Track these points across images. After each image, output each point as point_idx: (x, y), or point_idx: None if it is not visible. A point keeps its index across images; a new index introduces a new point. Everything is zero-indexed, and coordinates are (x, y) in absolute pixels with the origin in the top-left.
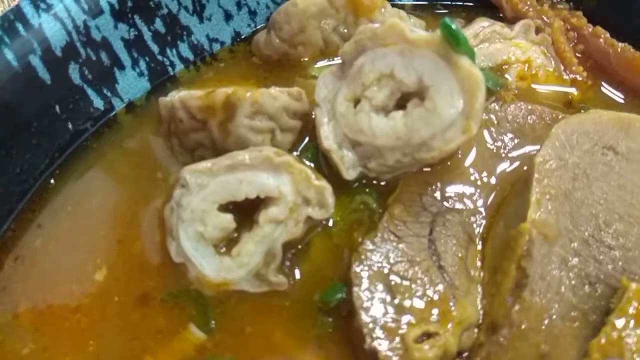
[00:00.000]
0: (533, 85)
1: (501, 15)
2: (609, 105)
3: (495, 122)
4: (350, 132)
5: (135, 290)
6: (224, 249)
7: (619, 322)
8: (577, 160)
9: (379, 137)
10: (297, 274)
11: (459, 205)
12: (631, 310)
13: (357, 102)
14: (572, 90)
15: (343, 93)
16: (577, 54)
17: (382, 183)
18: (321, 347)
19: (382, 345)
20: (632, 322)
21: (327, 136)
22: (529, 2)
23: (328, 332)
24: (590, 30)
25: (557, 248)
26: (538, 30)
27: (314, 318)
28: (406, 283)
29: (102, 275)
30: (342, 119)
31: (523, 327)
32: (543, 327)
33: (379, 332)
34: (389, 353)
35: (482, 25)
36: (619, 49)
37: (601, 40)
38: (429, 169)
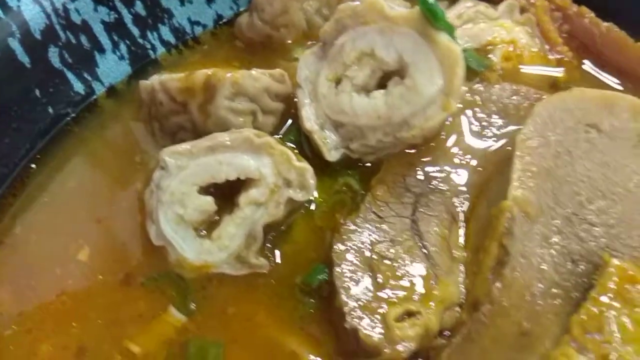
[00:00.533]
0: (518, 66)
1: None
2: (595, 85)
3: (480, 102)
4: (332, 113)
5: (119, 270)
6: (204, 232)
7: (599, 298)
8: (559, 138)
9: (361, 116)
10: (279, 255)
11: (442, 186)
12: (611, 286)
13: (338, 82)
14: (558, 71)
15: (324, 73)
16: (562, 34)
17: (366, 164)
18: (303, 328)
19: (362, 325)
20: (612, 298)
21: (309, 117)
22: None
23: (310, 313)
24: (575, 10)
25: (539, 225)
26: (523, 10)
27: (295, 299)
28: (387, 263)
29: (86, 256)
30: (324, 100)
31: (504, 304)
32: (524, 304)
33: (359, 312)
34: (370, 332)
35: (466, 5)
36: (604, 29)
37: (586, 20)
38: (413, 151)
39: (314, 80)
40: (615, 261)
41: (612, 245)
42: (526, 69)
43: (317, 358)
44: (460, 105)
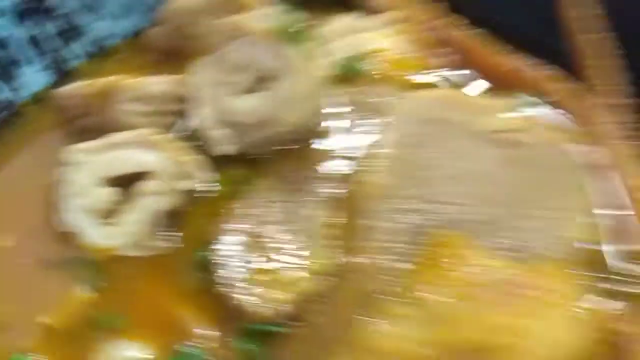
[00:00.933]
0: (395, 72)
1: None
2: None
3: (356, 104)
4: (222, 113)
5: (35, 253)
6: (108, 219)
7: (428, 262)
8: (414, 130)
9: (245, 115)
10: (178, 238)
11: (320, 174)
12: (442, 252)
13: (227, 86)
14: (432, 76)
15: (215, 78)
16: (438, 42)
17: (259, 157)
18: (198, 302)
19: (240, 293)
20: (439, 263)
21: (204, 117)
22: None
23: (201, 287)
24: (450, 20)
25: (392, 204)
26: (400, 20)
27: (190, 275)
28: (266, 240)
29: (4, 241)
30: (215, 102)
31: (359, 271)
32: (373, 270)
33: (238, 283)
34: (247, 299)
35: (349, 17)
36: (475, 38)
37: (459, 29)
38: (298, 146)
39: (207, 84)
40: (444, 232)
41: (454, 220)
42: (403, 75)
43: (205, 325)
44: (341, 109)
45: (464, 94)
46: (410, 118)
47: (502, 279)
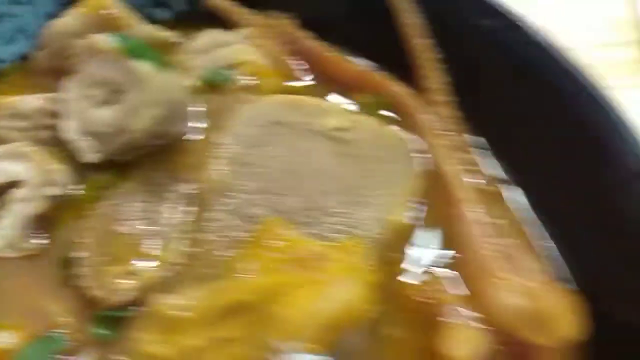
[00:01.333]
0: (258, 82)
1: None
2: (317, 90)
3: (213, 111)
4: (86, 125)
5: None
6: None
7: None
8: (253, 133)
9: (103, 126)
10: (49, 239)
11: (183, 176)
12: (263, 236)
13: (88, 99)
14: (290, 84)
15: (79, 94)
16: (293, 54)
17: (124, 163)
18: (67, 297)
19: (91, 284)
20: (261, 245)
21: (69, 129)
22: (245, 12)
23: (68, 283)
24: (301, 33)
25: (227, 198)
26: (257, 36)
27: (62, 273)
28: (121, 237)
29: None
30: (79, 114)
31: (196, 254)
32: (209, 255)
33: (91, 274)
34: (96, 288)
35: (210, 33)
36: (322, 48)
37: (308, 41)
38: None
39: (73, 99)
40: (268, 219)
41: (287, 210)
42: (265, 84)
43: (67, 315)
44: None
45: (306, 98)
46: (251, 121)
47: (306, 254)
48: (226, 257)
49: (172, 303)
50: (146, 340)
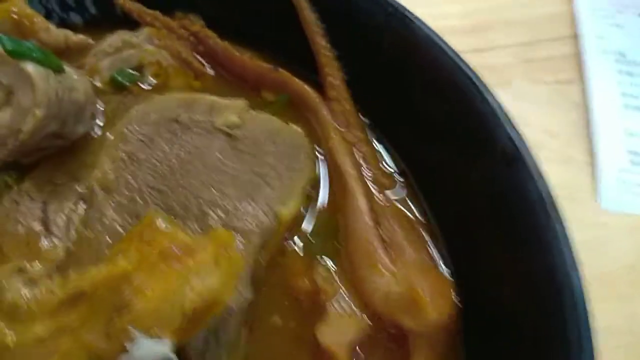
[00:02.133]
0: (165, 80)
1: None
2: (222, 88)
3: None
4: None
5: None
6: None
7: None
8: (146, 130)
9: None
10: None
11: (82, 176)
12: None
13: None
14: (196, 81)
15: None
16: (198, 53)
17: (25, 165)
18: None
19: None
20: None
21: None
22: (154, 14)
23: None
24: (204, 33)
25: (116, 196)
26: (163, 36)
27: None
28: (13, 236)
29: None
30: None
31: (79, 252)
32: (92, 253)
33: None
34: None
35: (118, 35)
36: (222, 46)
37: (213, 41)
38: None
39: None
40: (151, 213)
41: (172, 205)
42: (172, 83)
43: None
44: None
45: (201, 95)
46: (143, 120)
47: (174, 245)
48: (105, 254)
49: (21, 292)
50: None
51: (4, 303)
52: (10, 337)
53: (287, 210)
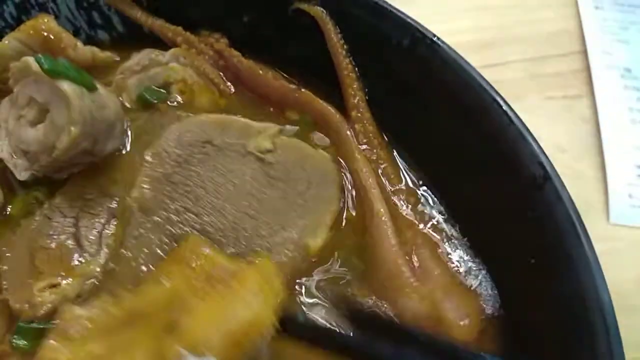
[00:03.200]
0: (191, 98)
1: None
2: (246, 105)
3: (155, 128)
4: (18, 143)
5: None
6: None
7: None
8: (181, 152)
9: (32, 144)
10: None
11: (106, 191)
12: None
13: (20, 119)
14: (222, 99)
15: (12, 114)
16: (221, 70)
17: (55, 180)
18: None
19: (13, 296)
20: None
21: (2, 149)
22: (179, 32)
23: None
24: (228, 52)
25: (154, 216)
26: (190, 55)
27: None
28: (45, 251)
29: None
30: (12, 134)
31: (117, 271)
32: (131, 270)
33: (13, 287)
34: (16, 300)
35: (145, 53)
36: (246, 64)
37: (235, 59)
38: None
39: (6, 119)
40: (191, 236)
41: (207, 229)
42: (198, 100)
43: None
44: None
45: (234, 118)
46: (178, 140)
47: (218, 270)
48: (144, 273)
49: (76, 313)
50: (49, 347)
51: (62, 322)
52: (65, 356)
53: (315, 243)
